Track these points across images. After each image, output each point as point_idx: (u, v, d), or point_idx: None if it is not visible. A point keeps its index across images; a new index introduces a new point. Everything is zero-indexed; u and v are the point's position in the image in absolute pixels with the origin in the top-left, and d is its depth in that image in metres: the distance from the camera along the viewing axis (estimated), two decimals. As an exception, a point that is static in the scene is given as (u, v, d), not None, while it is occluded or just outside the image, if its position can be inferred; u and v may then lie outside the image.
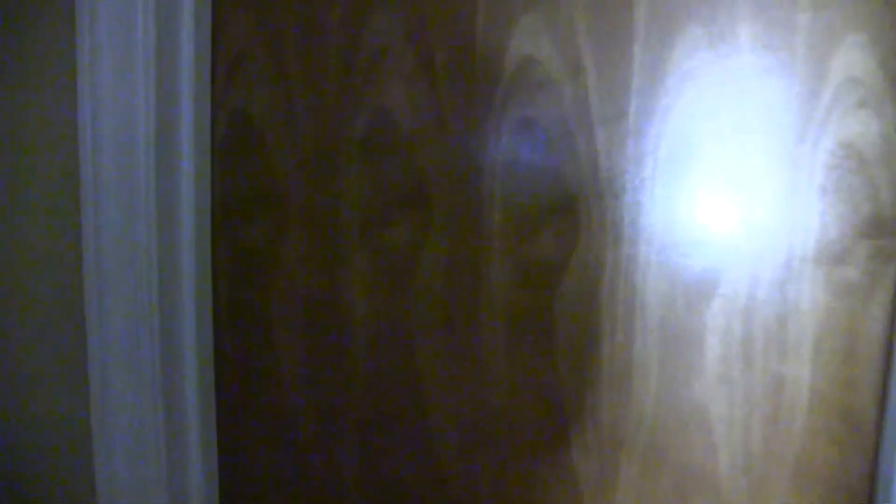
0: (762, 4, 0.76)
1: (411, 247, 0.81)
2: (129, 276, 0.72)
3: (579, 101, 0.78)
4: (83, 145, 0.70)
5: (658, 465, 0.83)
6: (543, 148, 0.78)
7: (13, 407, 0.80)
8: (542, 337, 0.81)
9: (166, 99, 0.73)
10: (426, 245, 0.81)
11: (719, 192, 0.79)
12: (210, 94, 0.80)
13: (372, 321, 0.83)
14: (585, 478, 0.84)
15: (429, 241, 0.80)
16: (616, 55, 0.77)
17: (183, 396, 0.79)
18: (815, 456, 0.82)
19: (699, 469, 0.83)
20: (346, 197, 0.82)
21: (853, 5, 0.76)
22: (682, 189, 0.79)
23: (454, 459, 0.84)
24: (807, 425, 0.82)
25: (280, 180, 0.82)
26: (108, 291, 0.72)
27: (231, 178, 0.82)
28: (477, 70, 0.78)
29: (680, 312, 0.80)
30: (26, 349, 0.78)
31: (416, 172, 0.80)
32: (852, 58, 0.76)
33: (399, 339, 0.82)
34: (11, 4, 0.74)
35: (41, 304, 0.76)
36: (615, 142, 0.78)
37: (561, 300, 0.80)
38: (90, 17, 0.68)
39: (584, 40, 0.77)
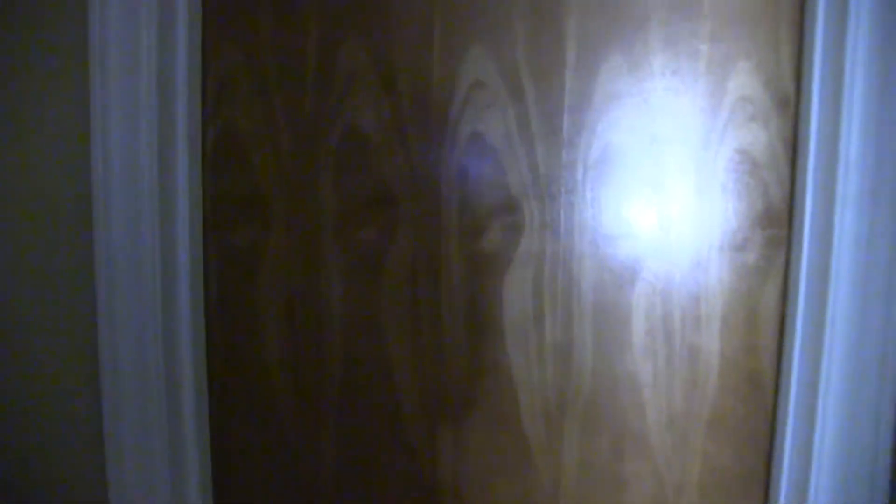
0: (671, 38, 0.91)
1: (380, 244, 0.94)
2: (136, 274, 0.83)
3: (520, 118, 0.92)
4: (95, 157, 0.81)
5: (596, 426, 0.97)
6: (491, 158, 0.92)
7: (27, 383, 0.89)
8: (494, 319, 0.94)
9: (165, 118, 0.84)
10: (393, 242, 0.93)
11: (639, 192, 0.93)
12: (201, 113, 0.91)
13: (346, 310, 0.95)
14: (535, 440, 0.97)
15: (395, 238, 0.93)
16: (551, 80, 0.91)
17: (180, 380, 0.90)
18: (725, 412, 0.97)
19: (631, 428, 0.97)
20: (322, 202, 0.94)
21: (744, 37, 0.92)
22: (608, 191, 0.93)
23: (420, 429, 0.97)
24: (718, 387, 0.97)
25: (263, 187, 0.94)
26: (118, 287, 0.83)
27: (220, 186, 0.93)
28: (433, 92, 0.91)
29: (609, 295, 0.95)
30: (40, 336, 0.87)
31: (382, 180, 0.93)
32: (743, 80, 0.92)
33: (370, 325, 0.95)
34: (31, 42, 0.84)
35: (55, 300, 0.86)
36: (551, 152, 0.92)
37: (509, 287, 0.94)
38: (100, 49, 0.79)
39: (523, 67, 0.91)
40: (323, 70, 0.91)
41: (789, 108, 0.92)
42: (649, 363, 0.96)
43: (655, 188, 0.94)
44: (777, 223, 0.94)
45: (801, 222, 0.91)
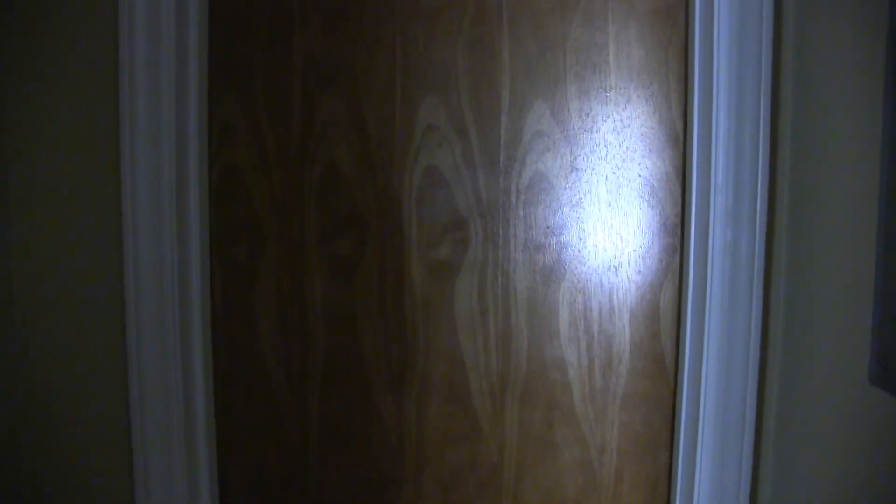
0: (583, 88, 1.15)
1: (353, 255, 1.16)
2: (158, 281, 1.04)
3: (466, 153, 1.15)
4: (124, 190, 1.02)
5: (532, 401, 1.20)
6: (443, 185, 1.15)
7: (56, 374, 1.09)
8: (447, 315, 1.17)
9: (180, 157, 1.06)
10: (364, 254, 1.16)
11: (562, 210, 1.17)
12: (208, 153, 1.12)
13: (327, 309, 1.17)
14: (482, 414, 1.20)
15: (366, 250, 1.16)
16: (489, 123, 1.15)
17: (193, 368, 1.11)
18: (636, 388, 1.21)
19: (560, 402, 1.20)
20: (306, 221, 1.16)
21: (642, 86, 1.15)
22: (537, 210, 1.17)
23: (388, 405, 1.18)
24: (629, 367, 1.20)
25: (258, 211, 1.15)
26: (143, 292, 1.04)
27: (223, 212, 1.15)
28: (396, 133, 1.14)
29: (540, 293, 1.18)
30: (74, 337, 1.08)
31: (355, 204, 1.15)
32: (643, 120, 1.16)
33: (346, 320, 1.17)
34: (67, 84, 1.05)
35: (89, 305, 1.07)
36: (491, 180, 1.15)
37: (459, 289, 1.17)
38: (129, 106, 1.01)
39: (467, 113, 1.14)
40: (306, 118, 1.14)
41: (679, 143, 1.17)
42: (573, 348, 1.19)
43: (574, 207, 1.17)
44: (672, 234, 1.18)
45: (689, 233, 1.15)
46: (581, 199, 1.17)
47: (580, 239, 1.17)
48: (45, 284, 1.07)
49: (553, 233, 1.17)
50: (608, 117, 1.16)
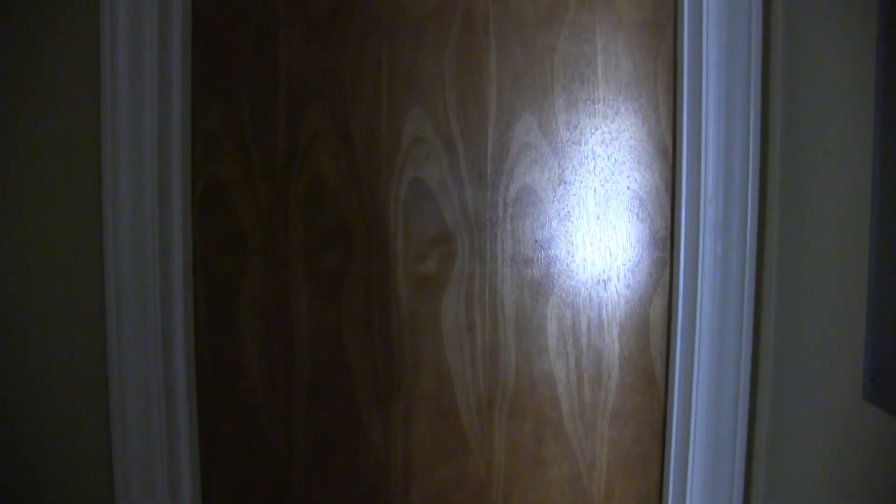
0: (571, 100, 1.14)
1: (339, 269, 1.14)
2: (140, 296, 1.02)
3: (453, 166, 1.14)
4: (105, 202, 1.01)
5: (520, 416, 1.18)
6: (430, 198, 1.14)
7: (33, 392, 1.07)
8: (434, 329, 1.15)
9: (163, 169, 1.05)
10: (350, 267, 1.14)
11: (550, 224, 1.16)
12: (192, 165, 1.11)
13: (312, 323, 1.15)
14: (470, 429, 1.18)
15: (352, 264, 1.14)
16: (476, 135, 1.14)
17: (175, 386, 1.09)
18: (626, 403, 1.19)
19: (549, 418, 1.18)
20: (291, 235, 1.14)
21: (630, 98, 1.14)
22: (525, 223, 1.15)
23: (375, 421, 1.17)
24: (619, 382, 1.18)
25: (243, 225, 1.14)
26: (125, 307, 1.02)
27: (207, 225, 1.13)
28: (382, 146, 1.13)
29: (528, 307, 1.16)
30: (57, 348, 1.06)
31: (341, 217, 1.14)
32: (632, 132, 1.15)
33: (332, 335, 1.15)
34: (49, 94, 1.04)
35: (71, 320, 1.05)
36: (478, 193, 1.14)
37: (446, 303, 1.15)
38: (112, 117, 0.99)
39: (454, 125, 1.13)
40: (291, 129, 1.12)
41: (668, 155, 1.16)
42: (562, 363, 1.18)
43: (563, 220, 1.16)
44: (661, 247, 1.17)
45: (679, 247, 1.13)
46: (569, 212, 1.16)
47: (569, 253, 1.16)
48: (24, 296, 1.05)
49: (541, 247, 1.16)
50: (596, 129, 1.15)
